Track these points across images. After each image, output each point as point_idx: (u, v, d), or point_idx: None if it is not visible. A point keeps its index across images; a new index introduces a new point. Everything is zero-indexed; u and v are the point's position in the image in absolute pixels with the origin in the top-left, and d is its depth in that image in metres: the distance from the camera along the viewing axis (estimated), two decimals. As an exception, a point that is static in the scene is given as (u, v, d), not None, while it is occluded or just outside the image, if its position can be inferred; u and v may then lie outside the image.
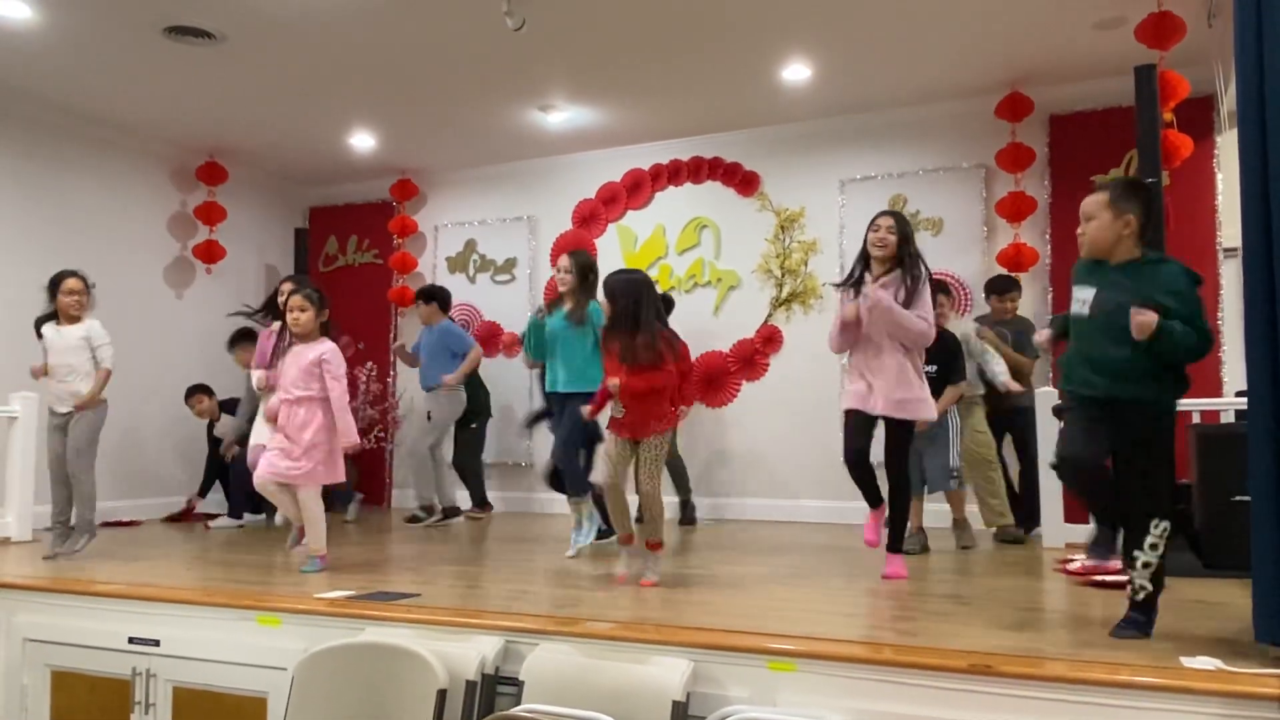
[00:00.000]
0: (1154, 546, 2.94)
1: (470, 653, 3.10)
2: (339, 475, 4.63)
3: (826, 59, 5.98)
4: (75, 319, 5.10)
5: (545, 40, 5.55)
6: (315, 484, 4.55)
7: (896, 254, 4.18)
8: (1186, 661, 2.62)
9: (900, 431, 4.20)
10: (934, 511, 5.32)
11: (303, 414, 4.51)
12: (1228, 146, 5.79)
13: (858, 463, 4.21)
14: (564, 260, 5.08)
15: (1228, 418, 4.87)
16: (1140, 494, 2.99)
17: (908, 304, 4.10)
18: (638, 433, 4.10)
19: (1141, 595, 2.98)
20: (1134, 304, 2.90)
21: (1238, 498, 3.85)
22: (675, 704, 2.78)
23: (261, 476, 4.52)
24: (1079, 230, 3.14)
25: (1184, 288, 2.96)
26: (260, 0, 5.12)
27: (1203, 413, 4.94)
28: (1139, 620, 2.98)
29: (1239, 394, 4.99)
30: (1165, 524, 2.95)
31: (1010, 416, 5.61)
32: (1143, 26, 5.07)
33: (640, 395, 4.05)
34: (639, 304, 4.13)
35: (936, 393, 4.63)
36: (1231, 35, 2.86)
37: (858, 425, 4.22)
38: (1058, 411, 3.21)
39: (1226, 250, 5.86)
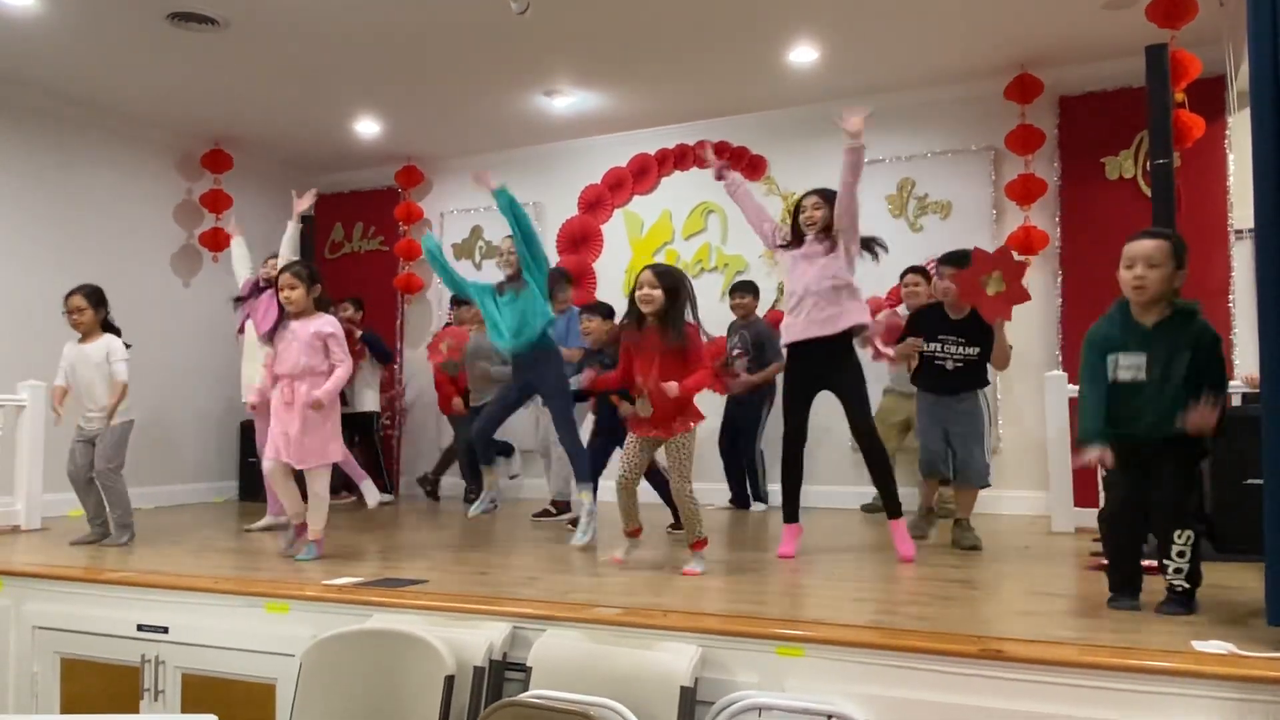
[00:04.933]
0: (1181, 554, 3.07)
1: (478, 639, 3.10)
2: (340, 450, 4.60)
3: (833, 42, 5.93)
4: (87, 336, 5.06)
5: (550, 24, 5.51)
6: (324, 461, 4.50)
7: (827, 225, 4.35)
8: (1198, 645, 2.60)
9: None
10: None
11: (305, 389, 4.45)
12: (1239, 127, 5.75)
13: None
14: (506, 243, 4.92)
15: (1237, 401, 4.84)
16: (1169, 508, 3.11)
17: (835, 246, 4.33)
18: (665, 431, 3.96)
19: (1180, 589, 3.10)
20: (1193, 411, 3.03)
21: (1250, 480, 3.83)
22: (683, 689, 2.77)
23: (271, 460, 4.49)
24: (1136, 273, 3.10)
25: (1210, 344, 3.09)
26: (263, -14, 5.11)
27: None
28: (1184, 601, 3.09)
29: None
30: (1189, 533, 3.07)
31: None
32: (1153, 6, 5.02)
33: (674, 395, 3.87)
34: (692, 298, 4.01)
35: (972, 374, 4.64)
36: (1243, 14, 2.82)
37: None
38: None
39: (1238, 232, 5.83)
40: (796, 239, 4.45)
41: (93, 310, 5.05)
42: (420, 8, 5.37)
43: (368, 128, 7.53)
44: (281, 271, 4.60)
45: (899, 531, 4.31)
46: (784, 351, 4.52)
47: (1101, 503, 3.80)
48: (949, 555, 4.46)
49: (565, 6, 5.32)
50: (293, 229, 5.37)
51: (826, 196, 4.40)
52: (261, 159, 8.24)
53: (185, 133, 7.62)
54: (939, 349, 4.61)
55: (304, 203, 4.54)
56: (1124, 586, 3.21)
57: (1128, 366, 3.13)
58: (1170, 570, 3.09)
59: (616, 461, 4.23)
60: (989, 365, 4.65)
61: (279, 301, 4.59)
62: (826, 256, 4.31)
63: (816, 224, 4.37)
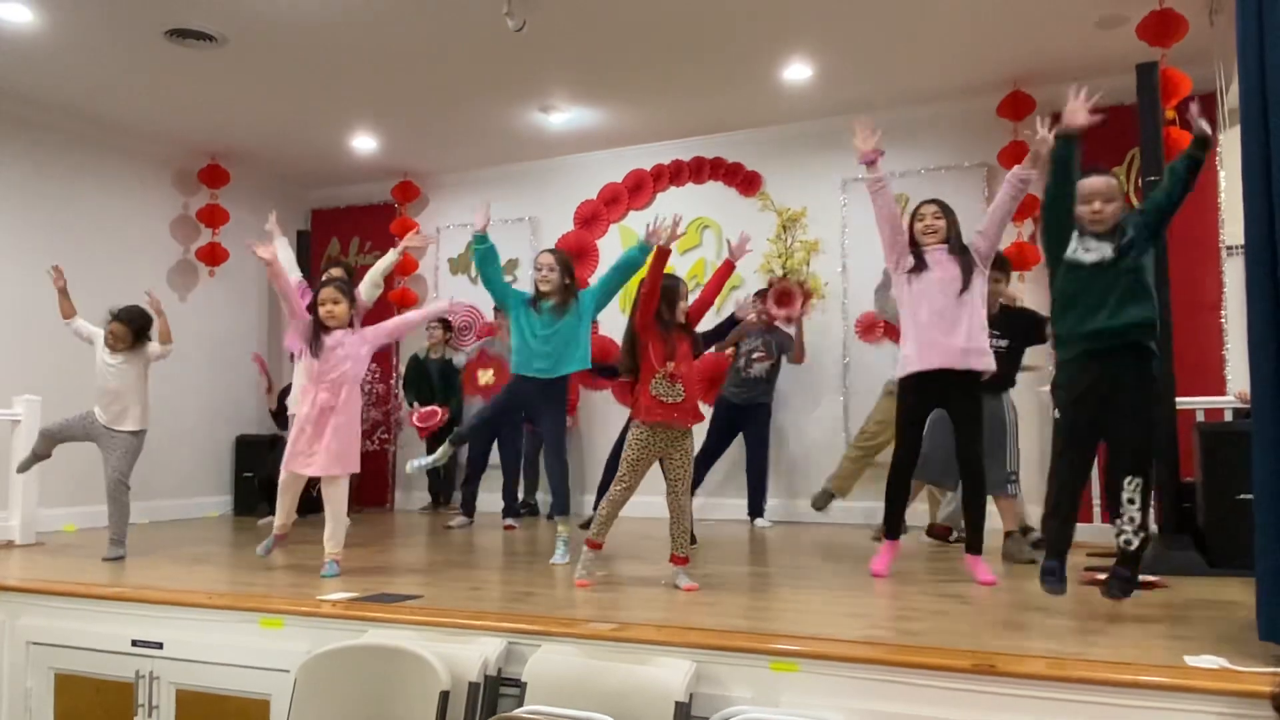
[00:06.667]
0: (1131, 501, 3.07)
1: (473, 654, 3.10)
2: (357, 464, 4.60)
3: (828, 59, 5.97)
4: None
5: (546, 41, 5.55)
6: (345, 471, 4.51)
7: (946, 236, 4.14)
8: (1191, 660, 2.60)
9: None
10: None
11: (342, 397, 4.48)
12: (1230, 144, 5.76)
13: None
14: (546, 258, 4.82)
15: (1229, 416, 4.86)
16: (1128, 448, 3.15)
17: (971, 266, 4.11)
18: (696, 416, 4.06)
19: (1131, 549, 3.12)
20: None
21: (1242, 496, 3.85)
22: (678, 704, 2.77)
23: (290, 468, 4.52)
24: (1095, 207, 3.27)
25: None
26: (261, 2, 5.13)
27: (1206, 411, 4.94)
28: (1126, 576, 3.13)
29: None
30: (1139, 480, 3.07)
31: None
32: (1144, 24, 5.07)
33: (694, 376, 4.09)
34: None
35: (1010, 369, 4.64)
36: (1233, 32, 2.85)
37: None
38: (1055, 388, 3.41)
39: (1229, 248, 5.85)
40: (916, 256, 4.16)
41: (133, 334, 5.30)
42: (416, 24, 5.40)
43: (364, 143, 7.55)
44: (324, 285, 4.62)
45: (975, 565, 4.13)
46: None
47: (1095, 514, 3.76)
48: (943, 569, 4.46)
49: (561, 23, 5.36)
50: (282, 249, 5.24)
51: (945, 206, 4.21)
52: (258, 174, 8.26)
53: (182, 148, 7.63)
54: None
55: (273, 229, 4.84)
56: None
57: (1092, 249, 3.25)
58: (1125, 518, 3.08)
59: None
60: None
61: (316, 316, 4.55)
62: (958, 275, 4.05)
63: (938, 233, 4.14)
